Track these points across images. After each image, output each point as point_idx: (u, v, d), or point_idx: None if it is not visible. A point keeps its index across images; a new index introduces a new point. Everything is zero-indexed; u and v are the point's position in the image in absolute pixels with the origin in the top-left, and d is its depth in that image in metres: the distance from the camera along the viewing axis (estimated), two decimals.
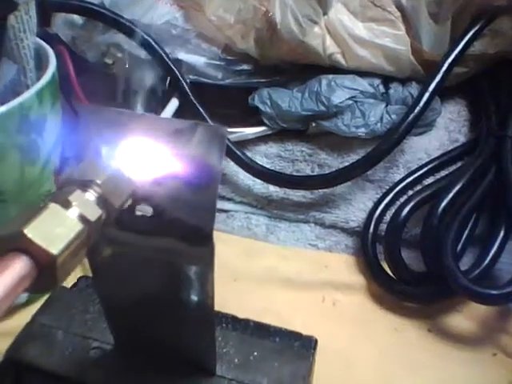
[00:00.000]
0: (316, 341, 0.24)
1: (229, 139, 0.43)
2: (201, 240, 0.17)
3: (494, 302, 0.33)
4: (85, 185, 0.16)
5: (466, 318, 0.35)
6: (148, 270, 0.20)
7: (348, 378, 0.31)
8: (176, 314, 0.21)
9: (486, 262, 0.35)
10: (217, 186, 0.17)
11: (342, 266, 0.39)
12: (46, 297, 0.28)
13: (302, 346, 0.24)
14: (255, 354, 0.22)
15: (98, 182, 0.16)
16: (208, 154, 0.17)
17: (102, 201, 0.16)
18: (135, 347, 0.23)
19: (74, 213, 0.15)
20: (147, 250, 0.19)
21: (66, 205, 0.16)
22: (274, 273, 0.38)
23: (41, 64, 0.32)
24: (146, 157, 0.17)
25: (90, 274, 0.29)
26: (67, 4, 0.40)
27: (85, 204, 0.16)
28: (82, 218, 0.16)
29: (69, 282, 0.29)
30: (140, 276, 0.20)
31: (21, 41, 0.28)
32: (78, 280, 0.28)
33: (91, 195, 0.16)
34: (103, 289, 0.21)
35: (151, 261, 0.19)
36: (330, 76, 0.43)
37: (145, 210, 0.18)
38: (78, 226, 0.15)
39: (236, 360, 0.22)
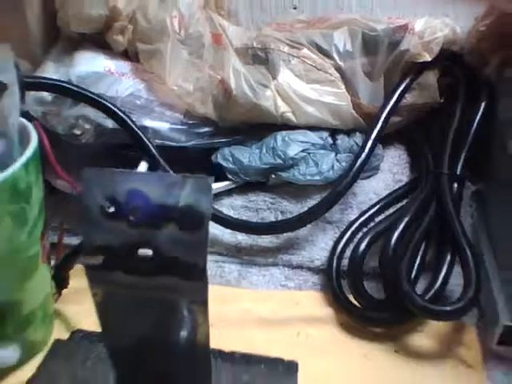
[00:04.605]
0: (297, 364, 0.27)
1: None
2: (196, 275, 0.21)
3: (449, 317, 0.37)
4: None
5: (427, 336, 0.38)
6: (148, 311, 0.23)
7: None
8: (174, 351, 0.24)
9: (438, 284, 0.39)
10: (207, 227, 0.20)
11: (311, 301, 0.42)
12: (38, 356, 0.30)
13: (287, 369, 0.26)
14: (244, 378, 0.25)
15: None
16: (198, 201, 0.20)
17: None
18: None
19: None
20: (148, 290, 0.22)
21: None
22: (250, 315, 0.41)
23: (21, 139, 0.35)
24: (147, 206, 0.20)
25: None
26: (40, 83, 0.44)
27: None
28: None
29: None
30: (141, 317, 0.23)
31: (8, 118, 0.31)
32: (72, 333, 0.29)
33: None
34: (107, 331, 0.23)
35: (152, 301, 0.22)
36: (284, 132, 0.48)
37: (145, 252, 0.21)
38: None
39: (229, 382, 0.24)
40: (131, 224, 0.20)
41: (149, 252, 0.20)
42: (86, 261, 0.21)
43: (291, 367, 0.26)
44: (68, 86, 0.44)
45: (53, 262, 0.39)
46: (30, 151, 0.32)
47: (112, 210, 0.20)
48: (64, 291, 0.40)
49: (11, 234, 0.31)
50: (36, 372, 0.26)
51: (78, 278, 0.40)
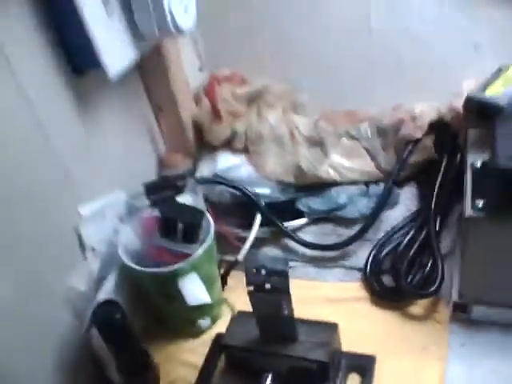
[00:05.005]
0: (337, 324, 0.61)
1: (287, 228, 0.81)
2: (287, 291, 0.56)
3: (426, 296, 0.69)
4: None
5: (418, 307, 0.70)
6: (270, 304, 0.59)
7: (361, 344, 0.67)
8: (281, 319, 0.59)
9: (423, 277, 0.70)
10: (288, 274, 0.55)
11: (356, 288, 0.75)
12: (221, 320, 0.68)
13: (334, 328, 0.61)
14: (312, 329, 0.59)
15: None
16: (284, 267, 0.55)
17: None
18: (267, 334, 0.61)
19: None
20: (270, 297, 0.57)
21: None
22: (322, 297, 0.75)
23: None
24: (269, 270, 0.55)
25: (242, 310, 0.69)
26: (205, 181, 0.81)
27: None
28: None
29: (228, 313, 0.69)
30: (268, 306, 0.59)
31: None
32: (238, 312, 0.67)
33: None
34: (255, 312, 0.60)
35: (271, 301, 0.58)
36: (335, 187, 0.81)
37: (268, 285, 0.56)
38: None
39: (305, 333, 0.59)
40: (266, 274, 0.56)
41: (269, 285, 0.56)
42: (248, 288, 0.57)
43: (335, 326, 0.61)
44: (218, 180, 0.81)
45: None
46: (212, 235, 0.69)
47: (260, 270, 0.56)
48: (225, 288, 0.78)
49: (213, 268, 0.68)
50: (226, 329, 0.63)
51: (231, 281, 0.78)
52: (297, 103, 0.89)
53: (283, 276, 0.55)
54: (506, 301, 0.64)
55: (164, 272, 0.64)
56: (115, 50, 0.62)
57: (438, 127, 0.79)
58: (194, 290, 0.64)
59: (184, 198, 0.69)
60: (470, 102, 0.65)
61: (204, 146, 0.87)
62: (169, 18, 0.62)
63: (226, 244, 0.80)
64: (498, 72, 0.67)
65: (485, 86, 0.65)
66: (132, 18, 0.64)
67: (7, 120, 0.55)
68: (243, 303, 0.60)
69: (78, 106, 0.65)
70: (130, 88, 0.75)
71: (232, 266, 0.78)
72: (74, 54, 0.61)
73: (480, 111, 0.64)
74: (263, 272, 0.56)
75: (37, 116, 0.58)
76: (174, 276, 0.64)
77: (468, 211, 0.59)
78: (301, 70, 0.86)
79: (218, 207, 0.83)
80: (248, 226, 0.81)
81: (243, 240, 0.79)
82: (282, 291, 0.56)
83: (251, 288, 0.57)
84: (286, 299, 0.57)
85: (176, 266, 0.64)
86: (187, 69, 0.84)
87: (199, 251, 0.65)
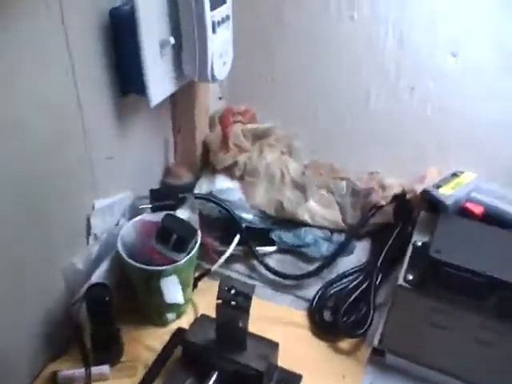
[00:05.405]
0: (278, 343, 0.76)
1: (258, 252, 0.96)
2: (246, 310, 0.70)
3: (355, 337, 0.84)
4: None
5: (346, 343, 0.85)
6: (231, 316, 0.73)
7: (293, 363, 0.82)
8: (239, 330, 0.74)
9: (358, 320, 0.86)
10: (251, 299, 0.70)
11: (301, 316, 0.90)
12: (184, 317, 0.83)
13: (275, 345, 0.76)
14: (258, 344, 0.74)
15: None
16: (250, 290, 0.70)
17: None
18: (222, 339, 0.75)
19: None
20: (230, 310, 0.72)
21: None
22: (271, 317, 0.89)
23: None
24: (236, 292, 0.70)
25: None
26: (199, 198, 0.95)
27: None
28: None
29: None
30: (228, 318, 0.73)
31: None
32: (201, 315, 0.81)
33: None
34: (217, 320, 0.74)
35: (235, 318, 0.73)
36: (306, 228, 0.96)
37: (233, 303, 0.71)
38: None
39: (252, 345, 0.74)
40: (234, 294, 0.70)
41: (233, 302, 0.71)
42: (217, 301, 0.71)
43: (276, 345, 0.76)
44: (212, 198, 0.94)
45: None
46: (197, 249, 0.83)
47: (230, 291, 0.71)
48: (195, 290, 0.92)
49: (190, 274, 0.83)
50: (189, 326, 0.77)
51: (201, 285, 0.92)
52: (292, 148, 1.03)
53: (248, 299, 0.69)
54: (414, 357, 0.80)
55: (150, 270, 0.78)
56: (160, 83, 0.75)
57: (400, 199, 0.94)
58: (172, 290, 0.78)
59: (183, 213, 0.83)
60: (424, 193, 0.80)
61: (207, 165, 1.01)
62: (209, 70, 0.75)
63: (205, 253, 0.94)
64: (453, 176, 0.83)
65: (439, 185, 0.81)
66: (179, 62, 0.77)
67: (66, 124, 0.69)
68: (206, 306, 0.74)
69: (118, 122, 0.78)
70: (160, 112, 0.88)
71: (205, 273, 0.92)
72: (126, 78, 0.74)
73: (431, 203, 0.80)
74: (233, 291, 0.70)
75: (85, 126, 0.71)
76: (159, 275, 0.78)
77: (400, 280, 0.75)
78: (301, 122, 1.01)
79: (207, 220, 0.97)
80: (227, 241, 0.95)
81: (220, 253, 0.94)
82: (244, 310, 0.70)
83: (220, 301, 0.71)
84: (245, 317, 0.71)
85: (162, 268, 0.78)
86: (209, 97, 0.97)
87: (184, 260, 0.79)
